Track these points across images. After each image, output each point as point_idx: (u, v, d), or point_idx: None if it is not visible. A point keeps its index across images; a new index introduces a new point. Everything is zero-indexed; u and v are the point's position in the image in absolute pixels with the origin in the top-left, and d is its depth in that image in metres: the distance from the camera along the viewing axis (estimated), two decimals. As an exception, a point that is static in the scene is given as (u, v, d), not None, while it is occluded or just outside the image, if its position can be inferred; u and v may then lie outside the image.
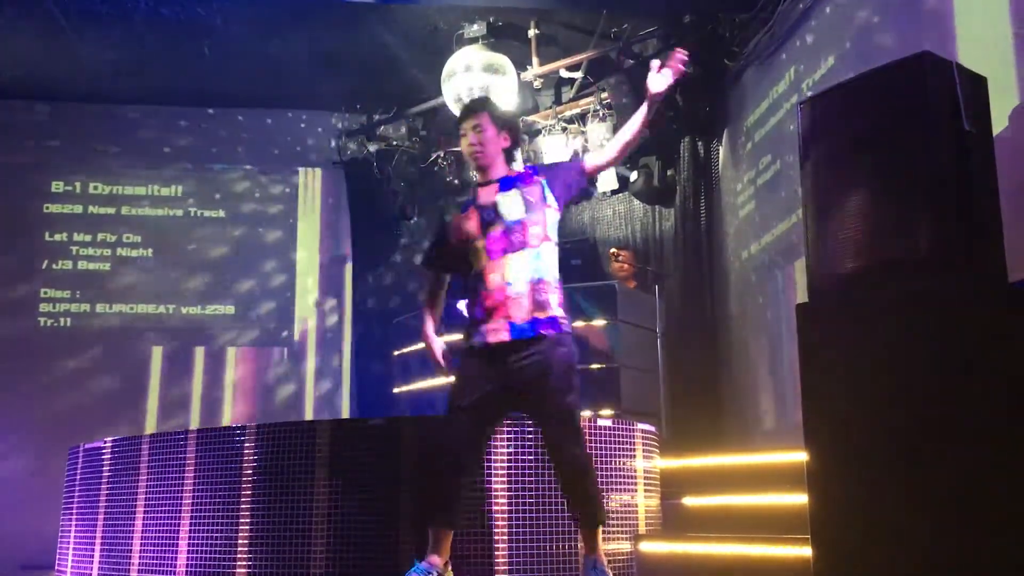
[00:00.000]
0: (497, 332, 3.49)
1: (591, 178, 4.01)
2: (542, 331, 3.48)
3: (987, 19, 3.89)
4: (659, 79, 3.64)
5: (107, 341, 8.65)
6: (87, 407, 8.34)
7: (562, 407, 3.46)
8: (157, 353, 8.71)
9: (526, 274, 3.54)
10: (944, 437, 2.38)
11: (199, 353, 8.79)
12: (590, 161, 3.82)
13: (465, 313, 3.71)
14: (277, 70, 8.15)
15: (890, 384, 2.52)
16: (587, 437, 4.06)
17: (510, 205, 3.60)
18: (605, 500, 3.79)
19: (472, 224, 3.63)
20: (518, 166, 3.81)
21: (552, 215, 3.68)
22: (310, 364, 8.97)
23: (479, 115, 3.70)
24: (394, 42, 7.68)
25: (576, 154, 7.09)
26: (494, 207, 3.62)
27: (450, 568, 3.55)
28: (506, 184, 3.66)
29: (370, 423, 4.27)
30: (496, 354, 3.49)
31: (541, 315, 3.51)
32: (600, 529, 3.57)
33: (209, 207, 9.09)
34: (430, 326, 3.79)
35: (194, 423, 8.41)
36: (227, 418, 8.56)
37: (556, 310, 3.56)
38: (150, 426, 8.34)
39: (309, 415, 8.64)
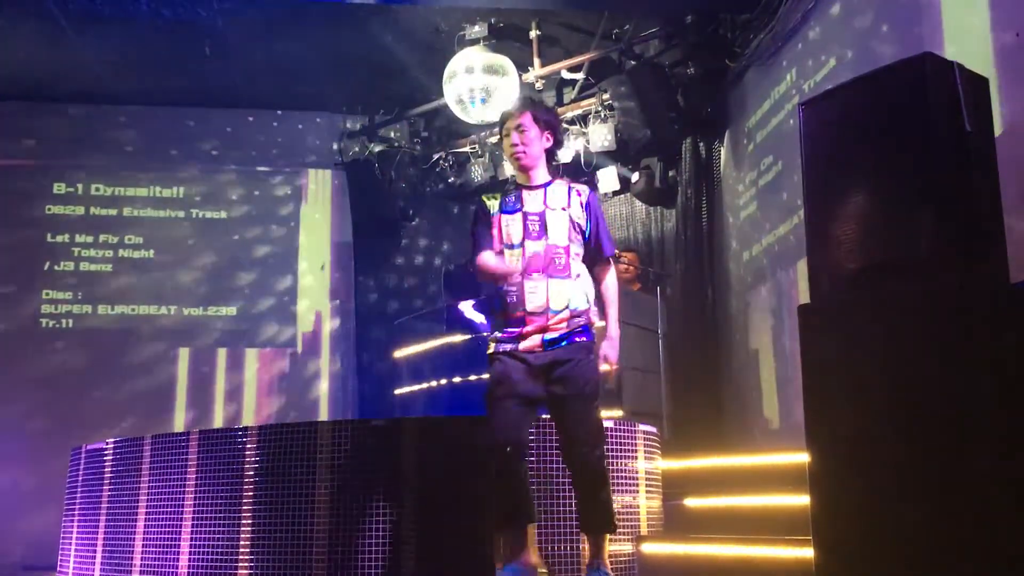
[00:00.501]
0: (531, 340, 3.52)
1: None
2: (576, 339, 3.53)
3: (986, 20, 3.89)
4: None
5: (109, 342, 8.65)
6: (89, 408, 8.34)
7: (589, 413, 3.48)
8: (158, 354, 8.71)
9: (563, 299, 3.55)
10: (946, 437, 2.37)
11: (200, 355, 8.79)
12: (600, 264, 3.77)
13: (473, 317, 3.71)
14: (278, 71, 8.16)
15: (892, 385, 2.52)
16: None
17: (557, 227, 3.60)
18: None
19: (516, 229, 3.61)
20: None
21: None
22: (311, 365, 8.97)
23: (522, 115, 3.66)
24: (396, 43, 7.68)
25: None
26: (540, 221, 3.60)
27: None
28: (555, 198, 3.64)
29: (372, 424, 4.27)
30: (530, 359, 3.51)
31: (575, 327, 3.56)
32: (608, 537, 3.57)
33: (210, 208, 9.10)
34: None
35: (196, 425, 8.41)
36: (228, 419, 8.56)
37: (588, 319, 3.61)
38: (152, 427, 8.34)
39: (310, 416, 8.64)
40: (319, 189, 9.30)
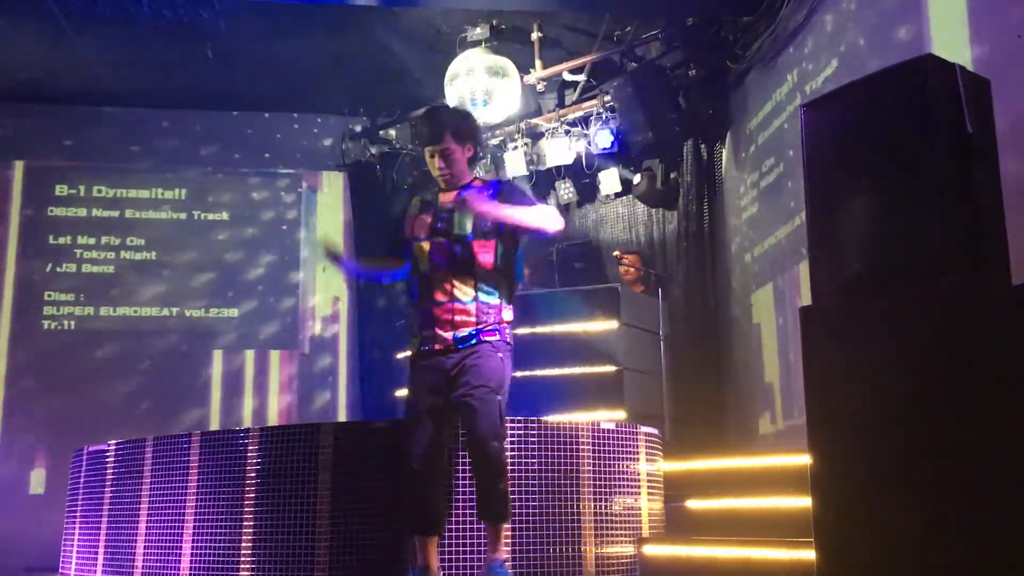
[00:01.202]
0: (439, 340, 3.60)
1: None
2: (483, 338, 3.58)
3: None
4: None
5: (111, 344, 8.65)
6: (91, 410, 8.34)
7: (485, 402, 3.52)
8: (160, 356, 8.71)
9: (471, 292, 3.60)
10: (948, 439, 2.37)
11: (202, 356, 8.79)
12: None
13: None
14: (280, 73, 8.16)
15: (894, 387, 2.52)
16: (591, 440, 4.09)
17: (462, 221, 3.65)
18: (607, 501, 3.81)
19: (422, 227, 3.71)
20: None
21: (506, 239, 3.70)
22: (313, 367, 8.97)
23: (443, 139, 3.67)
24: (397, 45, 7.68)
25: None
26: (447, 217, 3.68)
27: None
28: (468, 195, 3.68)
29: (373, 425, 4.27)
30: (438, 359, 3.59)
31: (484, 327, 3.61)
32: (504, 526, 3.61)
33: (212, 210, 9.10)
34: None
35: (198, 426, 8.41)
36: (230, 421, 8.56)
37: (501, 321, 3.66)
38: (154, 429, 8.33)
39: (312, 418, 8.64)
40: (321, 191, 9.31)
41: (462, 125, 3.78)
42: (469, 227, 3.63)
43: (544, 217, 3.72)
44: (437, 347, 3.60)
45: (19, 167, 8.84)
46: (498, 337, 3.63)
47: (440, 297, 3.61)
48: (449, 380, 3.57)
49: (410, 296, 3.76)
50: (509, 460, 3.95)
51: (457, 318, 3.58)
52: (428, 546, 3.54)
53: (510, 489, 3.78)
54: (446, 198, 3.74)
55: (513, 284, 3.75)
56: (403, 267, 3.87)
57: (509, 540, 3.89)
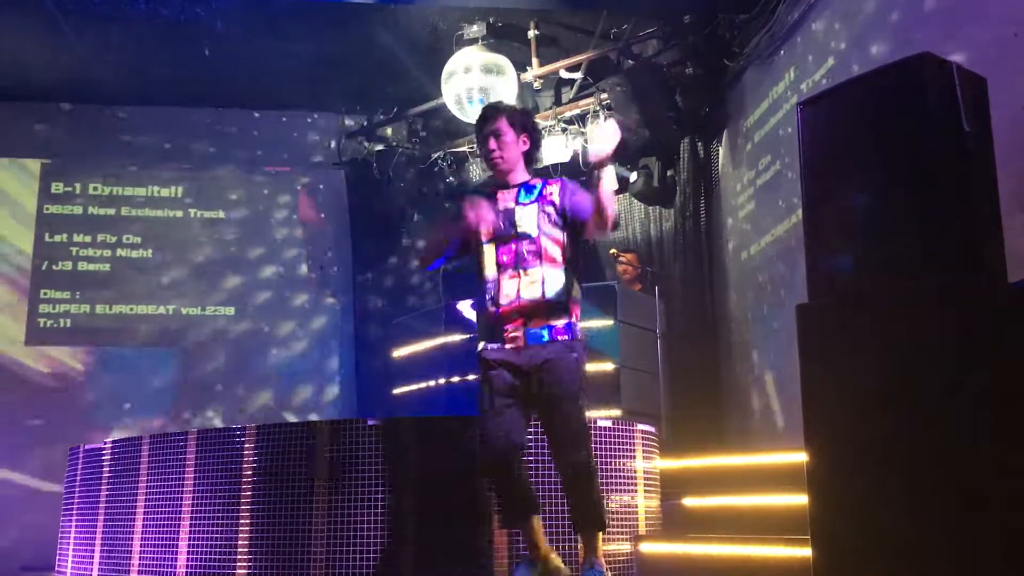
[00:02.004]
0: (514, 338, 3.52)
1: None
2: (556, 337, 3.50)
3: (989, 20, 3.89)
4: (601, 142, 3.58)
5: (107, 342, 8.65)
6: (87, 408, 8.34)
7: (568, 412, 3.46)
8: (156, 354, 8.70)
9: (537, 289, 3.52)
10: (944, 437, 2.37)
11: (198, 354, 8.79)
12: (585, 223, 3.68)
13: (471, 316, 3.71)
14: (277, 71, 8.15)
15: (890, 385, 2.52)
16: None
17: (527, 219, 3.57)
18: (606, 504, 3.78)
19: (486, 227, 3.59)
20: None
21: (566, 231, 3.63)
22: (310, 365, 8.97)
23: (496, 120, 3.63)
24: (394, 43, 7.68)
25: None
26: (510, 216, 3.58)
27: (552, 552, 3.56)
28: (526, 193, 3.63)
29: (370, 424, 4.27)
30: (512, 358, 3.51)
31: (556, 323, 3.51)
32: (600, 534, 3.55)
33: (209, 208, 9.09)
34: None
35: (195, 424, 8.41)
36: (226, 419, 8.55)
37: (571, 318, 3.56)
38: (150, 427, 8.33)
39: (308, 416, 8.64)
40: (317, 189, 9.30)
41: (518, 113, 3.75)
42: (535, 226, 3.56)
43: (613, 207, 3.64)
44: (507, 346, 3.52)
45: (14, 164, 8.82)
46: (569, 336, 3.53)
47: (507, 297, 3.52)
48: (523, 379, 3.48)
49: (478, 300, 3.65)
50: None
51: (526, 316, 3.51)
52: (534, 530, 3.48)
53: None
54: (505, 197, 3.66)
55: (580, 278, 3.67)
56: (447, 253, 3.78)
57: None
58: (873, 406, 2.55)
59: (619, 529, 4.19)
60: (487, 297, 3.57)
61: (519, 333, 3.50)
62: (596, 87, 7.64)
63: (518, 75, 7.53)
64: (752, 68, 6.70)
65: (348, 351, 9.00)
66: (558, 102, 8.08)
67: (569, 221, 3.62)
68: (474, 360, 3.66)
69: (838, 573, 2.58)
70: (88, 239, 8.83)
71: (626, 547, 4.19)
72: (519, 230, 3.56)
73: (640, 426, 4.55)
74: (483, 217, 3.56)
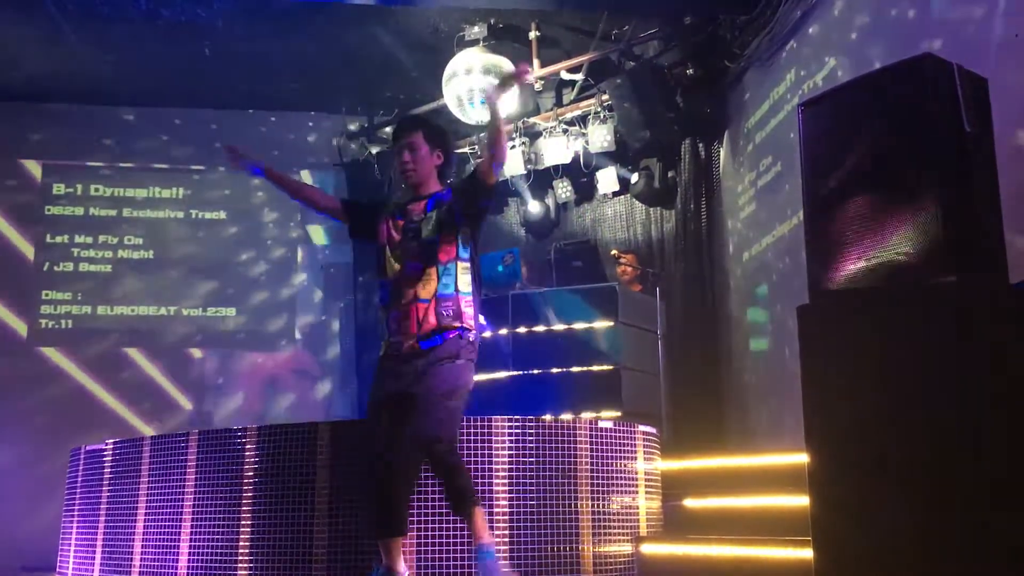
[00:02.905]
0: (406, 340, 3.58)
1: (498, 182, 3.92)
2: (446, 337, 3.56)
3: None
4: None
5: (108, 343, 8.65)
6: (88, 409, 8.34)
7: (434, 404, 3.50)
8: (158, 355, 8.71)
9: (432, 290, 3.59)
10: (945, 438, 2.37)
11: (200, 355, 8.79)
12: (478, 166, 3.81)
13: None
14: (278, 72, 8.16)
15: (891, 385, 2.52)
16: (589, 438, 4.10)
17: (428, 225, 3.65)
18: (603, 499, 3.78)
19: (396, 232, 3.69)
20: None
21: (464, 233, 3.68)
22: (311, 365, 8.97)
23: (412, 134, 3.73)
24: (395, 44, 7.68)
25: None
26: (417, 226, 3.66)
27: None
28: (432, 204, 3.70)
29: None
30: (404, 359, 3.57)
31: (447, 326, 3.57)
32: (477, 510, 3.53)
33: (210, 209, 9.10)
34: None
35: (196, 425, 8.41)
36: (228, 420, 8.55)
37: (464, 322, 3.61)
38: (152, 428, 8.34)
39: (310, 417, 8.64)
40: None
41: (435, 128, 3.84)
42: (432, 230, 3.64)
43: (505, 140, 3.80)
44: (404, 349, 3.58)
45: (16, 166, 8.83)
46: (459, 338, 3.57)
47: (407, 299, 3.60)
48: (414, 381, 3.54)
49: (380, 299, 3.75)
50: (507, 458, 3.96)
51: (420, 320, 3.57)
52: (393, 548, 3.48)
53: (509, 487, 3.77)
54: (416, 208, 3.72)
55: (479, 279, 3.71)
56: (327, 214, 3.94)
57: (506, 533, 3.89)
58: (874, 407, 2.55)
59: (620, 530, 4.19)
60: (387, 298, 3.69)
61: (412, 340, 3.61)
62: (597, 88, 7.65)
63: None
64: (753, 69, 6.70)
65: (349, 352, 9.00)
66: (559, 103, 8.08)
67: (460, 218, 3.68)
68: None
69: (839, 574, 2.58)
70: (89, 240, 8.83)
71: (627, 548, 4.19)
72: (423, 239, 3.64)
73: (641, 427, 4.55)
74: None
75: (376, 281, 3.79)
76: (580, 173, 8.06)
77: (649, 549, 4.16)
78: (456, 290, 3.59)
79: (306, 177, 9.25)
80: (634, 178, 7.84)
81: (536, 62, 7.59)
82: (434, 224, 3.64)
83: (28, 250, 8.71)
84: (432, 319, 3.55)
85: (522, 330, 6.55)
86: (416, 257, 3.62)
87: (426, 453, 3.47)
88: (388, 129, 9.00)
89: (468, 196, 3.69)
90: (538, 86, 7.73)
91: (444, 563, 3.88)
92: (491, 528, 3.91)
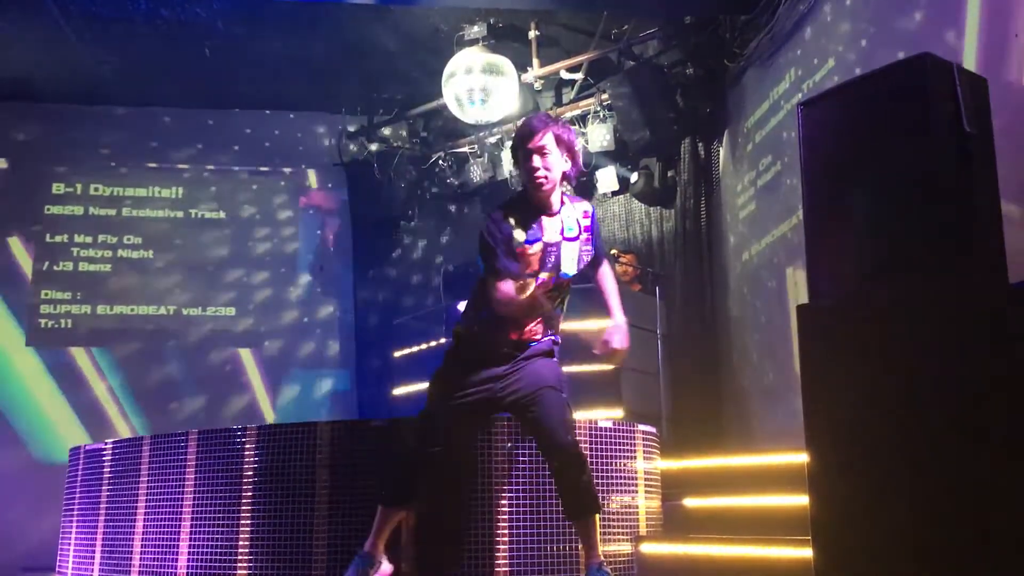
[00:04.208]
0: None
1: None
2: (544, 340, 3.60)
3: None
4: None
5: (108, 342, 8.65)
6: (88, 408, 8.34)
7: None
8: (158, 354, 8.71)
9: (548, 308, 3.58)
10: (945, 438, 2.38)
11: (199, 354, 8.79)
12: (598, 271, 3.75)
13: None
14: (277, 72, 8.16)
15: (891, 385, 2.52)
16: (588, 439, 4.10)
17: (569, 258, 3.55)
18: (604, 499, 3.79)
19: (535, 260, 3.48)
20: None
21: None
22: (310, 365, 8.97)
23: (544, 135, 3.40)
24: (395, 44, 7.68)
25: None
26: (556, 252, 3.51)
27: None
28: (568, 227, 3.55)
29: (371, 424, 4.27)
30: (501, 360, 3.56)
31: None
32: (597, 526, 3.56)
33: (210, 208, 9.10)
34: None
35: (195, 425, 8.40)
36: (227, 419, 8.55)
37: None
38: (150, 427, 8.33)
39: (309, 416, 8.64)
40: (318, 189, 9.30)
41: (568, 134, 3.51)
42: (574, 268, 3.58)
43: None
44: (504, 350, 3.56)
45: (15, 165, 8.82)
46: (555, 339, 3.68)
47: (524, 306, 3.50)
48: (503, 382, 3.53)
49: (496, 291, 3.42)
50: (507, 457, 3.96)
51: (531, 327, 3.58)
52: (386, 525, 3.50)
53: (509, 487, 3.77)
54: (551, 228, 3.49)
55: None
56: None
57: (506, 532, 3.89)
58: (874, 406, 2.55)
59: (620, 530, 4.19)
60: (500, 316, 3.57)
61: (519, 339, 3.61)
62: (597, 88, 7.65)
63: (519, 76, 7.53)
64: (753, 69, 6.70)
65: (348, 351, 9.00)
66: (559, 103, 8.08)
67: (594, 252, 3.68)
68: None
69: (839, 574, 2.58)
70: (89, 240, 8.83)
71: (627, 548, 4.19)
72: (562, 269, 3.55)
73: (641, 427, 4.55)
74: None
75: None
76: (579, 172, 8.05)
77: (649, 548, 4.16)
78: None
79: (308, 176, 9.26)
80: (633, 177, 7.84)
81: (536, 61, 7.59)
82: (576, 259, 3.56)
83: (28, 250, 8.70)
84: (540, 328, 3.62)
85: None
86: (549, 285, 3.56)
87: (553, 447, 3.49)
88: (389, 130, 9.03)
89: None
90: (538, 85, 7.73)
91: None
92: (491, 526, 3.91)
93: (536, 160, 3.38)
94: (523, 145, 3.42)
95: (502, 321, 3.52)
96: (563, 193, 3.58)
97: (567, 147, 3.45)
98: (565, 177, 3.51)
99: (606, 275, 3.72)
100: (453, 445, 3.56)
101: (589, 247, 3.61)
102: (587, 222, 3.60)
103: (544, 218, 3.49)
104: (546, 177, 3.40)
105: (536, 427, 3.52)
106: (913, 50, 2.67)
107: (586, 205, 3.65)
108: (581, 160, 3.57)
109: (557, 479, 3.53)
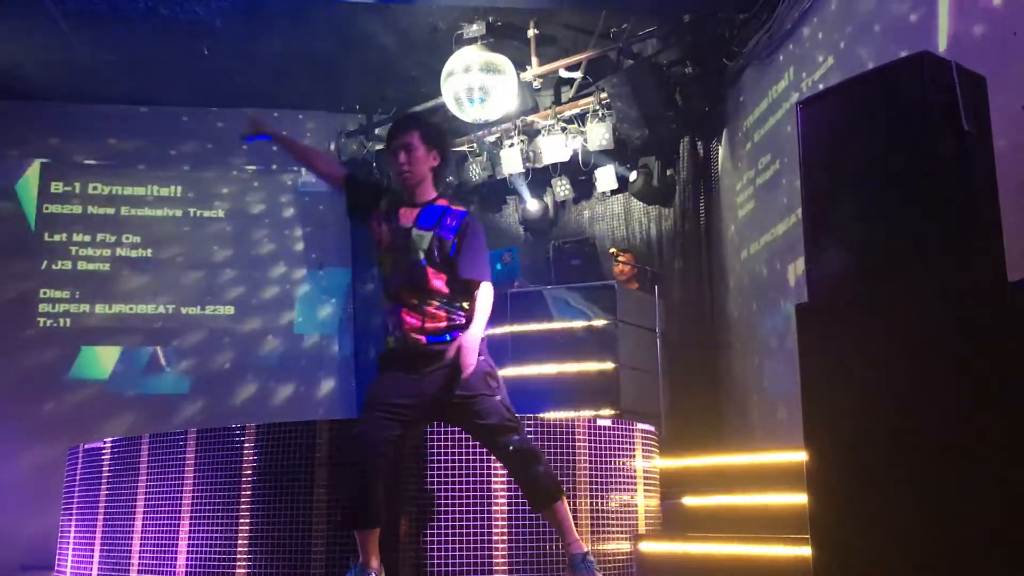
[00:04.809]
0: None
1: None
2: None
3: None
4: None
5: (106, 342, 8.64)
6: (87, 407, 8.33)
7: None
8: (157, 353, 8.70)
9: (434, 303, 3.61)
10: (944, 437, 2.38)
11: (198, 353, 8.78)
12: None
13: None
14: (276, 70, 8.15)
15: (890, 384, 2.52)
16: (587, 437, 4.11)
17: (419, 246, 3.62)
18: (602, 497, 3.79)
19: (386, 235, 3.69)
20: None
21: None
22: (310, 365, 8.96)
23: (409, 133, 3.68)
24: (393, 42, 7.68)
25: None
26: (406, 237, 3.64)
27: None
28: (427, 217, 3.67)
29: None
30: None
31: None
32: (565, 508, 3.57)
33: (208, 207, 9.08)
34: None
35: (195, 424, 8.40)
36: (226, 418, 8.54)
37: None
38: (150, 426, 8.32)
39: (309, 415, 8.63)
40: (317, 188, 9.29)
41: (432, 128, 3.80)
42: (423, 253, 3.60)
43: (488, 307, 3.66)
44: (409, 346, 3.60)
45: (15, 164, 8.81)
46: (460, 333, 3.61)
47: (406, 301, 3.62)
48: (426, 381, 3.55)
49: (384, 291, 3.75)
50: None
51: (427, 323, 3.60)
52: (371, 542, 3.49)
53: (509, 487, 3.77)
54: (408, 215, 3.70)
55: (471, 297, 3.65)
56: (326, 179, 4.13)
57: (505, 531, 3.89)
58: (873, 406, 2.55)
59: (619, 528, 4.20)
60: (384, 294, 3.72)
61: (420, 336, 3.62)
62: (596, 86, 7.64)
63: (518, 74, 7.53)
64: (752, 67, 6.70)
65: (348, 350, 8.99)
66: (557, 101, 8.08)
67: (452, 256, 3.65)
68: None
69: (837, 572, 2.58)
70: (88, 238, 8.81)
71: (626, 546, 4.19)
72: (411, 255, 3.62)
73: (640, 425, 4.55)
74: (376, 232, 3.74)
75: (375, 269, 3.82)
76: (579, 171, 8.06)
77: (648, 547, 4.16)
78: None
79: (307, 175, 9.24)
80: (632, 176, 7.84)
81: (534, 60, 7.59)
82: (427, 249, 3.60)
83: (27, 249, 8.69)
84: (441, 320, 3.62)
85: (520, 328, 6.55)
86: (405, 271, 3.62)
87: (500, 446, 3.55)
88: (383, 128, 9.02)
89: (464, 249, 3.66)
90: (536, 84, 7.73)
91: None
92: (491, 526, 3.91)
93: (401, 155, 3.68)
94: (389, 141, 3.78)
95: (394, 316, 3.63)
96: (445, 198, 3.81)
97: (433, 144, 3.72)
98: (435, 173, 3.76)
99: (480, 296, 3.64)
100: (394, 459, 3.55)
101: (448, 244, 3.62)
102: (452, 224, 3.67)
103: (403, 208, 3.72)
104: (410, 171, 3.68)
105: (477, 437, 3.66)
106: (913, 48, 2.67)
107: (463, 213, 3.74)
108: (448, 156, 3.82)
109: (514, 477, 3.64)
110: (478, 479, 3.95)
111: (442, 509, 3.95)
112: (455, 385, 3.51)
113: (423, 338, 3.59)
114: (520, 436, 3.57)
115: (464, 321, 3.60)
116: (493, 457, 3.80)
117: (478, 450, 3.94)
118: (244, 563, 4.12)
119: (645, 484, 4.45)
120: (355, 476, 3.48)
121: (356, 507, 3.48)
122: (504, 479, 3.94)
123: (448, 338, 3.56)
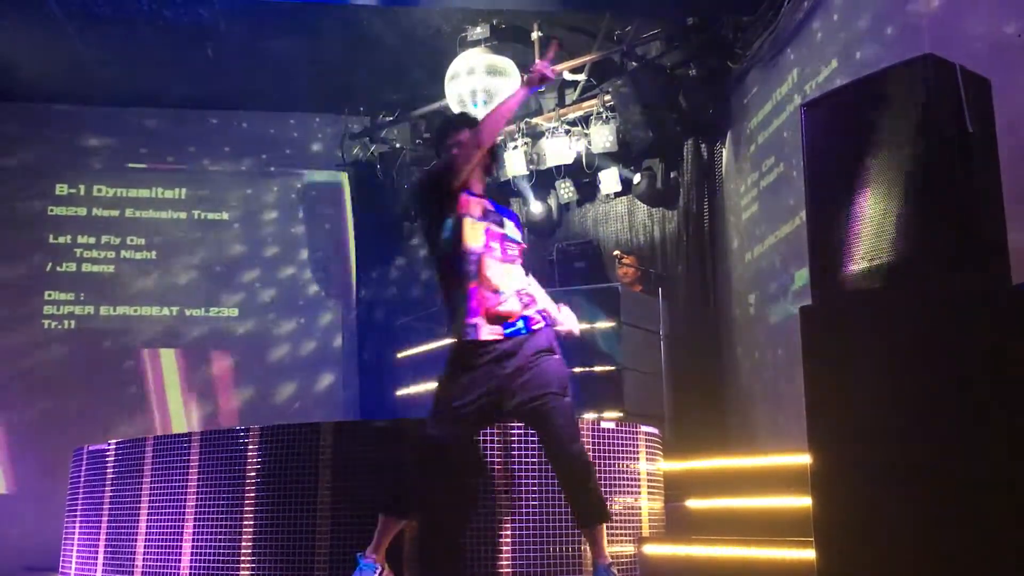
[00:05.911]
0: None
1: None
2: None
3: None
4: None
5: (111, 343, 8.65)
6: (91, 409, 8.34)
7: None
8: (161, 355, 8.72)
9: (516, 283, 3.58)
10: (947, 439, 2.37)
11: (202, 355, 8.79)
12: None
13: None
14: (281, 72, 8.16)
15: (894, 386, 2.52)
16: (591, 439, 4.10)
17: (512, 230, 3.65)
18: (608, 501, 3.78)
19: (477, 210, 3.56)
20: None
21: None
22: (313, 366, 8.97)
23: (459, 132, 3.69)
24: (398, 45, 7.69)
25: None
26: (498, 216, 3.64)
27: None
28: (503, 213, 3.71)
29: (374, 425, 4.27)
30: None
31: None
32: (603, 527, 3.55)
33: (213, 209, 9.10)
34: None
35: (199, 425, 8.41)
36: (229, 420, 8.56)
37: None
38: (155, 428, 8.34)
39: (312, 417, 8.64)
40: (321, 190, 9.31)
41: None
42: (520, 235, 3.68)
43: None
44: (489, 337, 3.46)
45: (19, 166, 8.83)
46: (543, 324, 3.55)
47: (493, 281, 3.48)
48: (507, 389, 3.46)
49: (456, 273, 3.47)
50: (511, 458, 3.95)
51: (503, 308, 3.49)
52: (389, 533, 3.49)
53: (508, 487, 3.76)
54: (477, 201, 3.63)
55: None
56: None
57: (508, 533, 3.89)
58: (876, 408, 2.55)
59: (622, 531, 4.19)
60: (465, 273, 3.47)
61: (498, 326, 3.46)
62: (599, 89, 7.65)
63: (521, 77, 7.53)
64: (756, 70, 6.70)
65: (351, 352, 9.00)
66: (561, 103, 8.08)
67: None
68: None
69: (841, 575, 2.58)
70: (92, 240, 8.84)
71: (629, 549, 4.19)
72: (508, 234, 3.61)
73: (643, 428, 4.54)
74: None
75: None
76: (582, 173, 8.06)
77: (651, 550, 4.16)
78: None
79: (310, 178, 9.27)
80: (636, 178, 7.84)
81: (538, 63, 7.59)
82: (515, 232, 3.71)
83: (31, 251, 8.71)
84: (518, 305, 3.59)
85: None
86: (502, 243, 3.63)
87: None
88: (393, 131, 9.02)
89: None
90: (540, 86, 7.73)
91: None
92: (491, 527, 3.91)
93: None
94: (442, 139, 3.81)
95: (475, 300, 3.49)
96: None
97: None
98: (483, 169, 3.74)
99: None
100: (456, 455, 3.52)
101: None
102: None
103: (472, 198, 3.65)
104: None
105: (543, 435, 3.51)
106: (918, 50, 2.67)
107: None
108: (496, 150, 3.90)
109: (564, 487, 3.53)
110: (480, 488, 3.95)
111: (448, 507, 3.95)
112: (535, 383, 3.44)
113: (501, 328, 3.48)
114: (582, 447, 3.51)
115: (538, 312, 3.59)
116: (495, 459, 3.78)
117: (481, 457, 3.93)
118: (248, 565, 4.12)
119: (649, 486, 4.44)
120: (408, 467, 3.47)
121: (395, 495, 3.50)
122: (507, 478, 3.93)
123: (525, 331, 3.49)
